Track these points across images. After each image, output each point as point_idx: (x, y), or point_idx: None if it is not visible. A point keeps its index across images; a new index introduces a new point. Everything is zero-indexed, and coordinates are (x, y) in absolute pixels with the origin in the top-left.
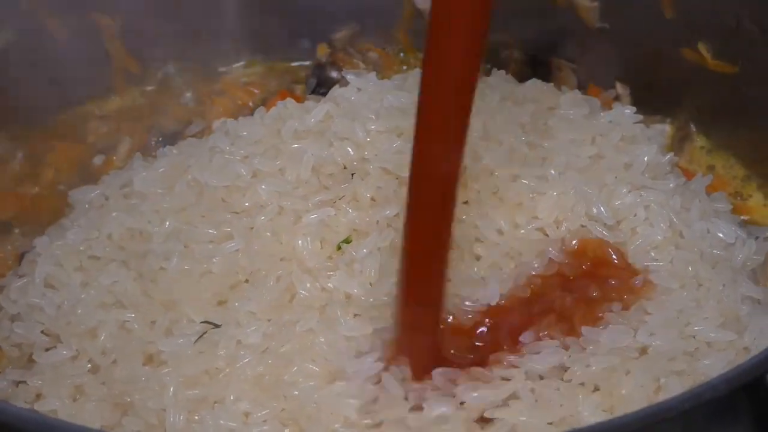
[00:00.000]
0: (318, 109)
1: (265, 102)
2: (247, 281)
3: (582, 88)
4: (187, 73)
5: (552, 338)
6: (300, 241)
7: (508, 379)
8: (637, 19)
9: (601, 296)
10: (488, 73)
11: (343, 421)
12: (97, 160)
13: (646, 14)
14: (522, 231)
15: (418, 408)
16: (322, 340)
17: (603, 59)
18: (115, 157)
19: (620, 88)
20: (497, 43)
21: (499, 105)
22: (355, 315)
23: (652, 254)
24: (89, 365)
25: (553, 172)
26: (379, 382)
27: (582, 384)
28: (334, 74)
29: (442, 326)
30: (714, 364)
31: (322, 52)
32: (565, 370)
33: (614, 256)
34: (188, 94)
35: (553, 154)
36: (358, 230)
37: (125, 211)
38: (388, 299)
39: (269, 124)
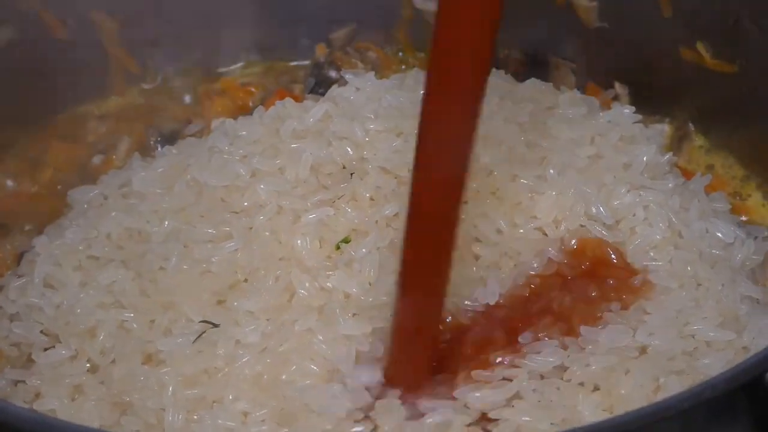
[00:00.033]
0: (317, 109)
1: (264, 101)
2: (246, 281)
3: (581, 87)
4: (186, 73)
5: (551, 338)
6: (299, 241)
7: (510, 380)
8: (636, 19)
9: (600, 296)
10: None
11: (339, 423)
12: (96, 159)
13: (645, 14)
14: (521, 231)
15: (417, 416)
16: (321, 339)
17: (602, 59)
18: (114, 157)
19: (619, 88)
20: (496, 42)
21: (497, 104)
22: (354, 314)
23: (651, 254)
24: (88, 365)
25: (552, 171)
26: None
27: (581, 384)
28: (332, 74)
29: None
30: (713, 364)
31: (321, 51)
32: (565, 370)
33: (613, 256)
34: (187, 94)
35: (551, 154)
36: (357, 230)
37: (124, 211)
38: (387, 299)
39: (268, 123)
